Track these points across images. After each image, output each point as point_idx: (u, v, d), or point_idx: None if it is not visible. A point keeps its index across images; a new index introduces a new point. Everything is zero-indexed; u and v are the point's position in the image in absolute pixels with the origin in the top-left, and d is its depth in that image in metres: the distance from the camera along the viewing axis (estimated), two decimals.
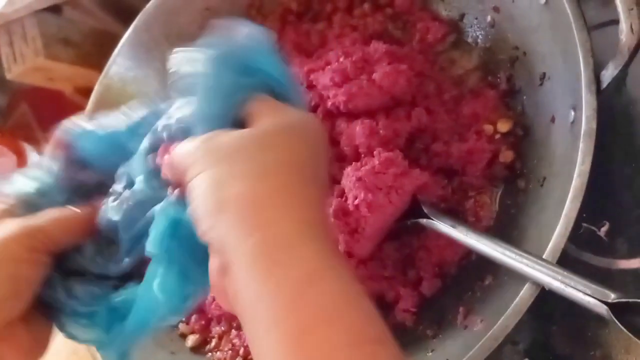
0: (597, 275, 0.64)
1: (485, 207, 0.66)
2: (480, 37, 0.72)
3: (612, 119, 0.64)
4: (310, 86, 0.72)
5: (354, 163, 0.66)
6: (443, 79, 0.71)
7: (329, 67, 0.70)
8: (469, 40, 0.73)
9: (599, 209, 0.65)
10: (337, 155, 0.70)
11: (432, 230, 0.63)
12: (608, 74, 0.54)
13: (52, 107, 1.19)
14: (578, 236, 0.64)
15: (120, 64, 0.85)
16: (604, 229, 0.64)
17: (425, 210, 0.63)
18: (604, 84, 0.54)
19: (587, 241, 0.65)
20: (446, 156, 0.67)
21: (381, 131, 0.66)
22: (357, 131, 0.67)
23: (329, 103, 0.69)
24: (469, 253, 0.65)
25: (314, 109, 0.72)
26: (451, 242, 0.63)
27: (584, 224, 0.64)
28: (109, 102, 0.84)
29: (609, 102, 0.57)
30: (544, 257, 0.52)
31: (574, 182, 0.52)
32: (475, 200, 0.67)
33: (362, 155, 0.66)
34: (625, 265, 0.63)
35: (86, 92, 1.14)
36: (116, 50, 0.85)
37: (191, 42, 0.84)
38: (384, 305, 0.67)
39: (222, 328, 0.74)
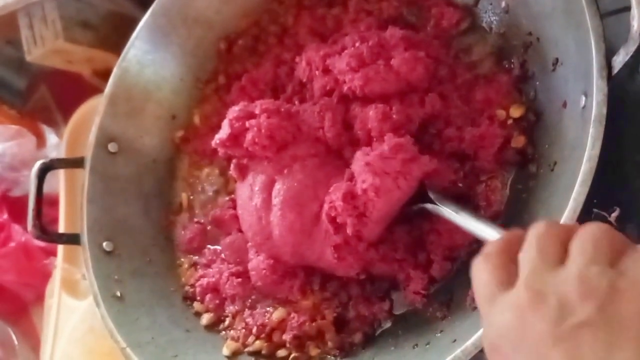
0: None
1: (497, 191, 0.67)
2: (494, 22, 0.72)
3: (624, 105, 0.64)
4: (326, 70, 0.73)
5: (363, 147, 0.67)
6: (457, 64, 0.72)
7: (346, 51, 0.71)
8: (484, 25, 0.73)
9: (610, 195, 0.65)
10: (351, 139, 0.71)
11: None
12: (619, 60, 0.54)
13: (71, 89, 1.20)
14: (589, 221, 0.65)
15: (138, 47, 0.86)
16: (614, 215, 0.64)
17: (431, 196, 0.64)
18: (615, 70, 0.54)
19: None
20: (458, 141, 0.68)
21: (394, 116, 0.67)
22: (370, 115, 0.68)
23: (345, 87, 0.70)
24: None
25: (329, 93, 0.72)
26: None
27: (595, 210, 0.64)
28: (127, 85, 0.86)
29: (621, 89, 0.57)
30: None
31: (583, 166, 0.53)
32: (487, 185, 0.67)
33: (374, 140, 0.67)
34: None
35: (105, 74, 1.15)
36: (134, 34, 0.86)
37: (208, 26, 0.87)
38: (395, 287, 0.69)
39: (236, 307, 0.76)
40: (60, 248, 1.07)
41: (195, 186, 0.87)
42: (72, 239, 0.81)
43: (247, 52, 0.88)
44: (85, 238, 0.78)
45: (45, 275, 1.12)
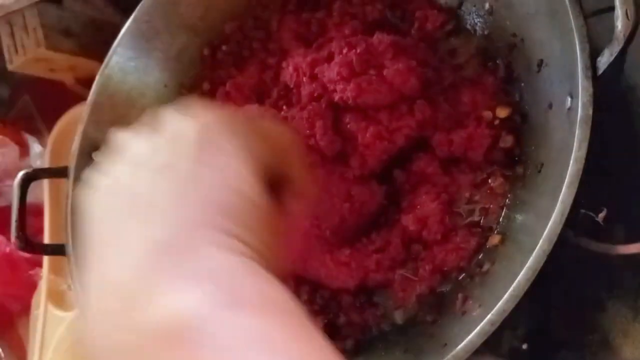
0: (595, 261, 0.65)
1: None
2: (478, 24, 0.72)
3: (610, 105, 0.64)
4: (314, 77, 0.72)
5: None
6: (443, 66, 0.71)
7: (335, 60, 0.70)
8: (468, 27, 0.73)
9: (597, 195, 0.65)
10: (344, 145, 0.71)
11: None
12: (604, 61, 0.54)
13: (54, 97, 1.19)
14: (576, 222, 0.65)
15: (120, 54, 0.85)
16: (601, 215, 0.64)
17: None
18: (600, 70, 0.54)
19: (585, 227, 0.66)
20: (448, 144, 0.67)
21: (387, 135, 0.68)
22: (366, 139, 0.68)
23: (336, 97, 0.69)
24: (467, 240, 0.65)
25: (317, 99, 0.72)
26: None
27: (582, 210, 0.64)
28: (110, 93, 0.85)
29: (607, 88, 0.57)
30: (539, 244, 0.52)
31: (570, 168, 0.52)
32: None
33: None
34: (624, 251, 0.64)
35: (87, 82, 1.14)
36: (116, 41, 0.84)
37: (192, 32, 0.86)
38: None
39: None
40: (46, 259, 1.06)
41: None
42: (57, 250, 0.79)
43: (231, 57, 0.87)
44: (70, 249, 0.77)
45: (31, 287, 1.11)
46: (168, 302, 0.33)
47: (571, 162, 0.52)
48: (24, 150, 1.23)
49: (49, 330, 1.04)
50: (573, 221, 0.64)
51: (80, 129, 0.83)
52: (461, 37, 0.73)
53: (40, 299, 1.06)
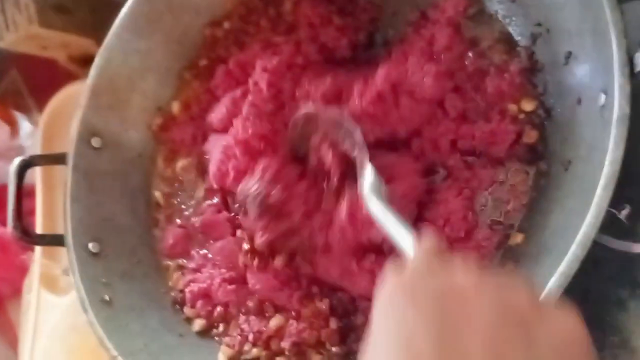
0: (617, 260, 0.64)
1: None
2: (499, 11, 0.69)
3: (636, 100, 0.63)
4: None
5: None
6: (466, 52, 0.69)
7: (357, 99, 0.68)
8: (491, 12, 0.70)
9: (620, 193, 0.63)
10: None
11: None
12: None
13: (43, 73, 1.16)
14: None
15: (120, 35, 0.81)
16: (624, 212, 0.63)
17: None
18: (638, 67, 0.52)
19: (607, 224, 0.64)
20: (470, 138, 0.65)
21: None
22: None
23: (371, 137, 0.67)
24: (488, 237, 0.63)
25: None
26: None
27: None
28: (110, 76, 0.81)
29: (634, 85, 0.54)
30: (572, 249, 0.50)
31: (605, 169, 0.50)
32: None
33: None
34: None
35: (80, 60, 1.11)
36: (116, 22, 0.81)
37: (194, 11, 0.82)
38: None
39: (230, 312, 0.73)
40: None
41: (172, 183, 0.84)
42: (55, 240, 0.76)
43: (232, 35, 0.84)
44: (70, 239, 0.74)
45: (22, 269, 1.08)
46: None
47: (606, 163, 0.50)
48: (14, 129, 1.20)
49: (42, 316, 1.01)
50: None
51: (78, 114, 0.79)
52: (483, 23, 0.70)
53: (33, 283, 1.03)
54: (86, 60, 1.05)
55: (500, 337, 0.34)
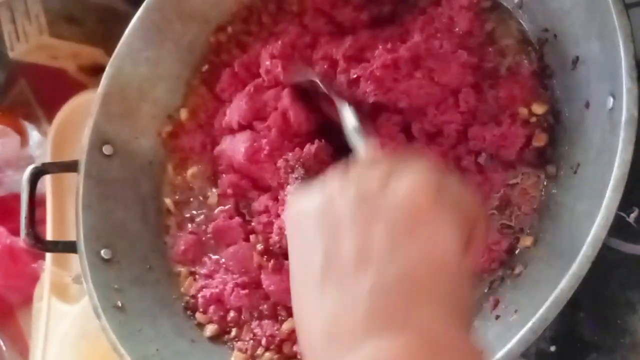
0: (626, 262, 0.64)
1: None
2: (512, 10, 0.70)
3: None
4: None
5: None
6: (485, 48, 0.69)
7: (376, 63, 0.68)
8: (506, 5, 0.70)
9: (629, 196, 0.64)
10: None
11: None
12: None
13: (52, 84, 1.17)
14: None
15: (131, 44, 0.82)
16: (633, 215, 0.63)
17: None
18: None
19: (616, 228, 0.64)
20: (481, 140, 0.65)
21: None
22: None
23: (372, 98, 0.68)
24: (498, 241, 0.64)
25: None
26: None
27: None
28: (121, 85, 0.82)
29: None
30: (583, 250, 0.51)
31: (614, 172, 0.51)
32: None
33: None
34: None
35: (90, 70, 1.12)
36: (127, 31, 0.82)
37: (204, 20, 0.83)
38: None
39: (243, 318, 0.73)
40: None
41: (182, 190, 0.85)
42: (67, 247, 0.77)
43: (234, 39, 0.85)
44: (82, 246, 0.75)
45: (32, 278, 1.09)
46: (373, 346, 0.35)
47: (615, 165, 0.51)
48: (24, 139, 1.21)
49: (53, 324, 1.02)
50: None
51: (90, 122, 0.80)
52: (498, 17, 0.70)
53: (43, 292, 1.04)
54: (95, 70, 1.06)
55: (358, 221, 0.39)
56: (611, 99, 0.54)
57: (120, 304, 0.73)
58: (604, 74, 0.56)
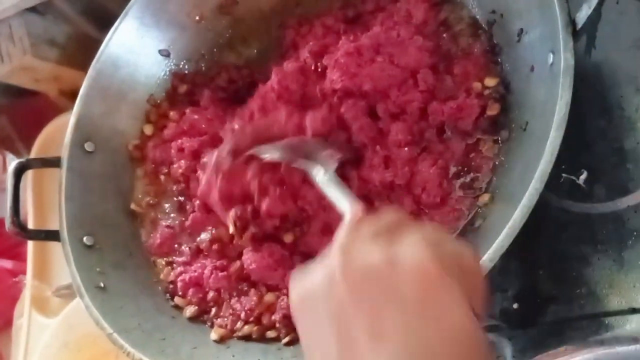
0: (578, 221, 0.69)
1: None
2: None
3: (585, 77, 0.69)
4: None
5: None
6: (440, 34, 0.76)
7: (341, 52, 0.74)
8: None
9: (577, 160, 0.69)
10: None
11: None
12: (582, 15, 0.58)
13: (32, 118, 1.20)
14: (558, 186, 0.69)
15: (112, 49, 0.87)
16: (582, 177, 0.68)
17: None
18: (579, 25, 0.58)
19: (567, 190, 0.69)
20: (440, 114, 0.71)
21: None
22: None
23: (338, 85, 0.73)
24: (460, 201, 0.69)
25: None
26: None
27: (564, 175, 0.68)
28: (102, 86, 0.87)
29: (580, 62, 0.61)
30: (532, 183, 0.55)
31: (556, 114, 0.55)
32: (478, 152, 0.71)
33: None
34: (605, 209, 0.67)
35: (71, 95, 1.16)
36: (108, 36, 0.87)
37: (181, 28, 0.89)
38: None
39: (222, 297, 0.76)
40: (30, 265, 1.06)
41: (156, 188, 0.88)
42: (50, 236, 0.80)
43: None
44: (65, 234, 0.78)
45: (12, 299, 1.11)
46: None
47: (557, 107, 0.56)
48: (4, 168, 1.24)
49: (33, 337, 1.03)
50: (556, 185, 0.68)
51: (72, 120, 0.84)
52: (451, 6, 0.77)
53: (24, 307, 1.06)
54: (76, 95, 1.11)
55: (366, 301, 0.39)
56: (551, 55, 0.60)
57: (102, 285, 0.75)
58: (545, 36, 0.62)
